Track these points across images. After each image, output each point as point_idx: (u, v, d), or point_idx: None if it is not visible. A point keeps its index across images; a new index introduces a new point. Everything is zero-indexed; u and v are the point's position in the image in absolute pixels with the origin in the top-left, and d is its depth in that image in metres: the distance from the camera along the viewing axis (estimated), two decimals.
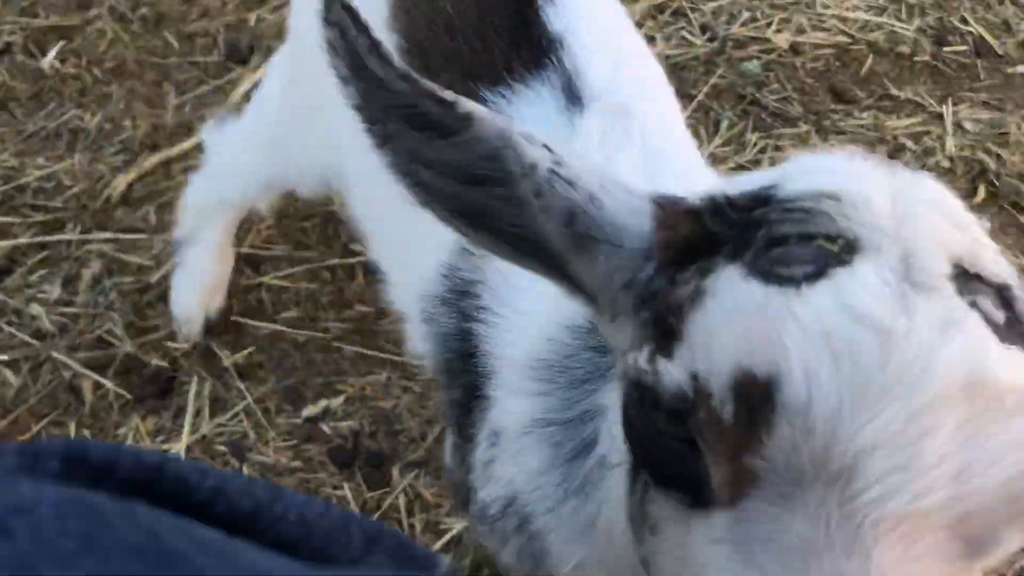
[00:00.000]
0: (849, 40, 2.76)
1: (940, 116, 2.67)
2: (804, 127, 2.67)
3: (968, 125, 2.67)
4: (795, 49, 2.73)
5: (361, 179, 1.56)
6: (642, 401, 0.73)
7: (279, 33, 2.46)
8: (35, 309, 2.18)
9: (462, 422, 1.34)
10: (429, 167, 0.80)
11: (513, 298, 1.23)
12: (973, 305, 0.67)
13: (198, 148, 2.39)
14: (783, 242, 0.70)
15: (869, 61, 2.75)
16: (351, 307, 2.25)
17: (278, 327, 2.21)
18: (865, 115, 2.68)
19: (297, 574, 0.38)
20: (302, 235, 2.34)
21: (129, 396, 2.09)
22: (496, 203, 0.80)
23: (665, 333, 0.71)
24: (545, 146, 0.80)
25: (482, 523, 1.30)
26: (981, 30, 2.86)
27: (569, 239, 0.79)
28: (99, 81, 2.58)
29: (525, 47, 1.31)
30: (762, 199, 0.75)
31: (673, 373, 0.69)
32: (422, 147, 0.80)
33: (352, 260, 2.30)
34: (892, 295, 0.65)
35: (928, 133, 2.65)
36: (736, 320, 0.67)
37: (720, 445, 0.67)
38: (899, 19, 2.84)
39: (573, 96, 1.28)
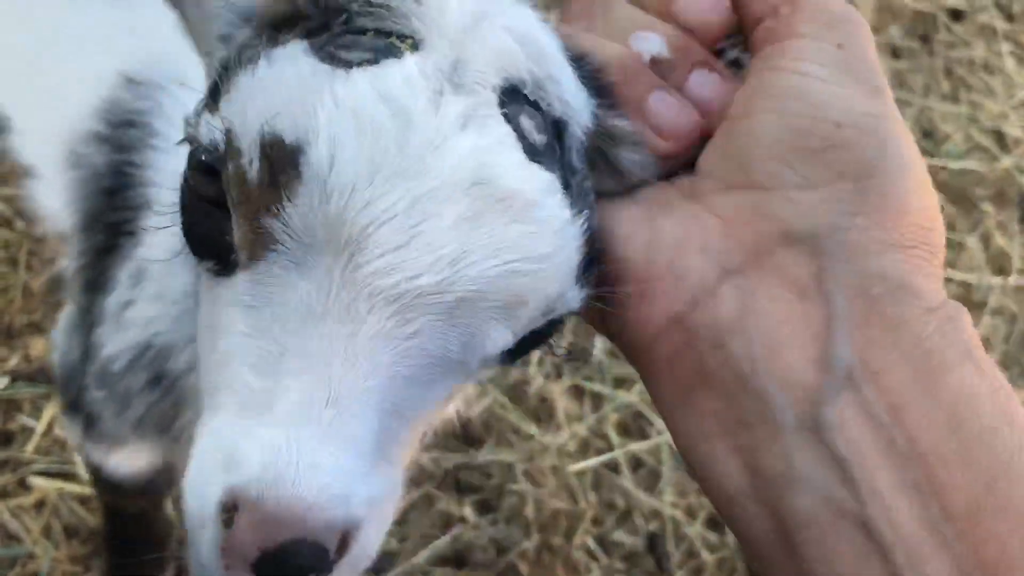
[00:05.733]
0: None
1: None
2: None
3: None
4: None
5: None
6: (190, 159, 0.72)
7: None
8: None
9: (96, 272, 1.26)
10: None
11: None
12: (509, 118, 0.69)
13: None
14: (360, 33, 0.71)
15: None
16: None
17: None
18: None
19: None
20: None
21: None
22: None
23: (215, 89, 0.72)
24: None
25: (100, 387, 1.22)
26: None
27: None
28: None
29: None
30: None
31: (212, 124, 0.69)
32: None
33: None
34: (427, 88, 0.67)
35: None
36: (278, 86, 0.68)
37: (244, 203, 0.68)
38: None
39: None
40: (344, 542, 0.65)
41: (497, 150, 0.68)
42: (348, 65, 0.68)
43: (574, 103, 0.75)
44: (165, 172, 1.17)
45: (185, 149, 0.77)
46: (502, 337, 0.71)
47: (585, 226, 0.72)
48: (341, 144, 0.65)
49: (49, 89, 1.38)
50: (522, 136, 0.70)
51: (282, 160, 0.66)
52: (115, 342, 1.19)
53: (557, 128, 0.74)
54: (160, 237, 1.11)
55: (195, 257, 0.74)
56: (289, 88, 0.68)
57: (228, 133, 0.68)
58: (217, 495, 0.63)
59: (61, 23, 1.35)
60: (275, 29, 0.76)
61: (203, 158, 0.70)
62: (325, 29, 0.72)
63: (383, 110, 0.66)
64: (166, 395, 1.15)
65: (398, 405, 0.68)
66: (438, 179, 0.66)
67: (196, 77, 1.22)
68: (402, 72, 0.68)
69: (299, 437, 0.63)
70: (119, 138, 1.26)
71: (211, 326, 0.73)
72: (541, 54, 0.75)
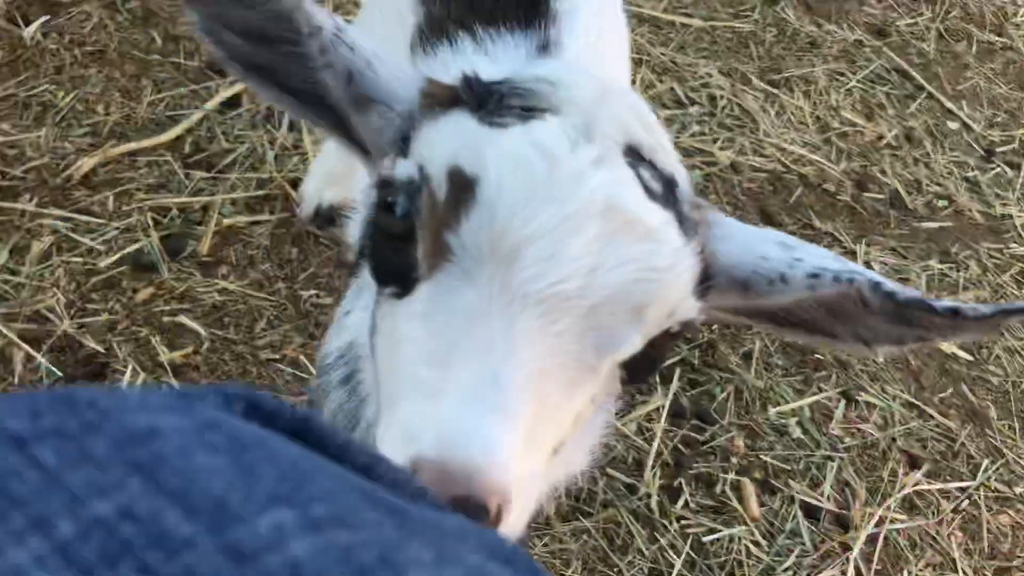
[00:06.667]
0: (783, 169, 2.95)
1: (853, 253, 2.84)
2: None
3: (876, 267, 2.83)
4: (735, 167, 2.92)
5: None
6: (380, 203, 0.91)
7: None
8: None
9: (344, 288, 1.51)
10: (230, 28, 0.96)
11: None
12: (634, 168, 0.88)
13: (166, 146, 2.47)
14: (508, 108, 0.92)
15: (798, 191, 2.93)
16: (292, 333, 2.33)
17: (220, 333, 2.28)
18: None
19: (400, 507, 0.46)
20: (267, 253, 2.43)
21: (60, 374, 2.11)
22: (285, 60, 0.96)
23: (404, 143, 0.94)
24: (329, 14, 0.96)
25: (318, 376, 1.42)
26: (897, 184, 3.06)
27: (350, 96, 0.98)
28: (78, 62, 2.66)
29: (525, 8, 1.52)
30: (501, 81, 0.96)
31: (406, 166, 0.90)
32: (225, 10, 0.95)
33: (302, 291, 2.39)
34: (567, 138, 0.87)
35: None
36: (454, 136, 0.89)
37: (432, 219, 0.86)
38: (829, 159, 3.04)
39: (544, 55, 1.48)
40: (498, 512, 0.74)
41: (624, 184, 0.86)
42: (501, 126, 0.88)
43: (678, 170, 0.94)
44: None
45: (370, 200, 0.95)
46: (632, 339, 0.87)
47: (697, 252, 0.90)
48: (504, 177, 0.84)
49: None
50: (642, 182, 0.88)
51: (462, 186, 0.85)
52: (332, 342, 1.38)
53: (669, 184, 0.91)
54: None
55: (379, 285, 0.91)
56: (462, 136, 0.88)
57: (421, 168, 0.88)
58: (401, 464, 0.72)
59: None
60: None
61: (391, 199, 0.89)
62: (480, 107, 0.92)
63: (535, 152, 0.85)
64: (351, 395, 1.28)
65: (544, 399, 0.81)
66: (578, 204, 0.84)
67: None
68: (547, 127, 0.87)
69: (468, 411, 0.76)
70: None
71: (391, 342, 0.88)
72: (652, 127, 0.94)
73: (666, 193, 0.91)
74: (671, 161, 0.94)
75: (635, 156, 0.90)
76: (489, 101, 0.93)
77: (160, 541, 0.36)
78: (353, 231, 1.76)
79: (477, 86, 0.96)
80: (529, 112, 0.90)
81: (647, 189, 0.89)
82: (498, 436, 0.75)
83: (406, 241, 0.89)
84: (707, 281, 0.93)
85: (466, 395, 0.77)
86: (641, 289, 0.85)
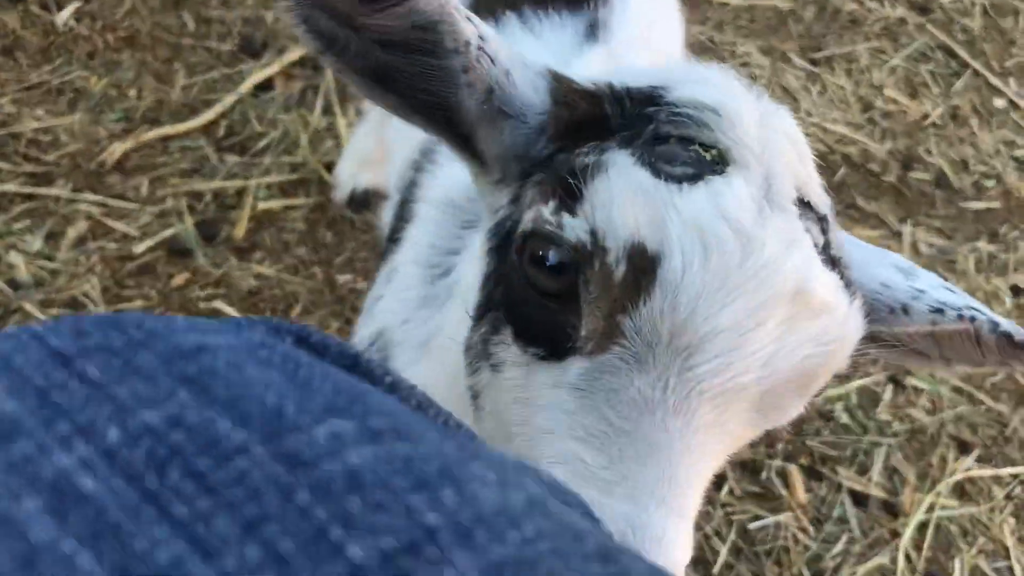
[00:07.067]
0: (826, 149, 2.89)
1: (899, 235, 2.78)
2: None
3: (922, 247, 2.77)
4: None
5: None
6: (529, 254, 0.83)
7: (294, 36, 2.56)
8: (13, 257, 2.23)
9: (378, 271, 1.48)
10: (334, 19, 0.83)
11: None
12: (807, 230, 0.83)
13: (199, 131, 2.46)
14: (666, 140, 0.84)
15: (842, 171, 2.86)
16: (328, 318, 2.31)
17: (256, 319, 2.24)
18: None
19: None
20: (301, 238, 2.42)
21: None
22: (417, 71, 0.86)
23: (568, 193, 0.82)
24: (469, 18, 0.86)
25: None
26: (943, 164, 2.99)
27: (484, 113, 0.89)
28: (110, 47, 2.66)
29: None
30: (653, 98, 0.88)
31: (576, 226, 0.80)
32: (351, 8, 0.83)
33: (339, 276, 2.37)
34: (755, 207, 0.79)
35: (887, 248, 2.72)
36: (630, 199, 0.79)
37: (603, 298, 0.79)
38: (873, 139, 2.97)
39: (592, 36, 1.45)
40: None
41: (809, 264, 0.81)
42: (676, 180, 0.80)
43: (823, 198, 0.87)
44: (427, 189, 1.34)
45: (497, 241, 0.89)
46: (796, 409, 0.84)
47: (861, 308, 0.85)
48: (691, 259, 0.76)
49: (403, 148, 1.63)
50: (814, 243, 0.82)
51: (643, 266, 0.77)
52: (364, 328, 1.34)
53: (824, 226, 0.85)
54: (410, 238, 1.30)
55: (518, 341, 0.83)
56: (639, 202, 0.78)
57: (594, 236, 0.79)
58: None
59: None
60: (571, 137, 0.87)
61: (546, 254, 0.80)
62: (635, 137, 0.84)
63: (725, 229, 0.77)
64: None
65: (706, 479, 0.80)
66: (769, 293, 0.77)
67: None
68: (732, 191, 0.79)
69: (650, 513, 0.74)
70: (418, 160, 1.44)
71: (526, 400, 0.83)
72: (804, 154, 0.88)
73: (826, 243, 0.86)
74: (819, 191, 0.88)
75: (803, 207, 0.84)
76: (643, 129, 0.85)
77: (210, 448, 0.35)
78: (385, 216, 1.77)
79: (627, 104, 0.87)
80: (691, 148, 0.83)
81: (816, 247, 0.83)
82: (677, 539, 0.75)
83: (560, 302, 0.81)
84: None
85: (649, 496, 0.75)
86: (813, 364, 0.81)
